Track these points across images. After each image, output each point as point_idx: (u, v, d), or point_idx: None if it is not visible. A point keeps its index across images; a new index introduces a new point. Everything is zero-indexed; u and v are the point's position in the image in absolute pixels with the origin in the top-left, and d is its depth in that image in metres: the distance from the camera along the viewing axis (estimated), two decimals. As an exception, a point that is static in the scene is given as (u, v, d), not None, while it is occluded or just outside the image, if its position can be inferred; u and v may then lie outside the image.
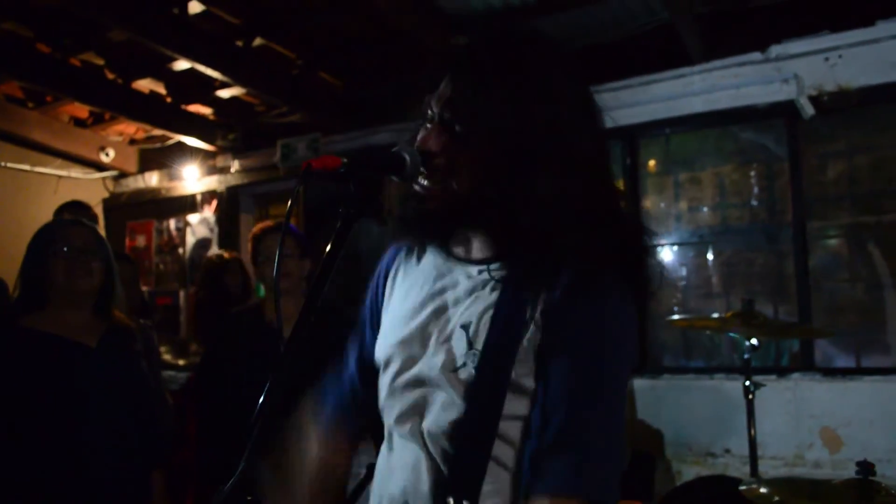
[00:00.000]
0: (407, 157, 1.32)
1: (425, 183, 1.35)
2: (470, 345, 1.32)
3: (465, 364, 1.31)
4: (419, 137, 1.37)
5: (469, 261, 1.42)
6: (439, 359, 1.35)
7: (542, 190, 1.28)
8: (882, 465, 2.38)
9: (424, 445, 1.35)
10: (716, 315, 3.80)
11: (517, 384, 1.28)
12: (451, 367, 1.32)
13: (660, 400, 4.77)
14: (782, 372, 4.51)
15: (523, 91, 1.31)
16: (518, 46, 1.38)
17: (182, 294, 7.20)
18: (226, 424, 3.13)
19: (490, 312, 1.32)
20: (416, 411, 1.38)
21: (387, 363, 1.46)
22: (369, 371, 1.57)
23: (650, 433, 4.67)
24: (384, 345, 1.49)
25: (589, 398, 1.26)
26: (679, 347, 5.06)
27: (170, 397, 4.26)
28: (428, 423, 1.35)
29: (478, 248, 1.42)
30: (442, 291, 1.42)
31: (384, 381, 1.46)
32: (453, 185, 1.33)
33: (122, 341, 2.76)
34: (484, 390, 1.28)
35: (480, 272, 1.39)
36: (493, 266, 1.38)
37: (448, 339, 1.36)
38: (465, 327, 1.34)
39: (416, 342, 1.40)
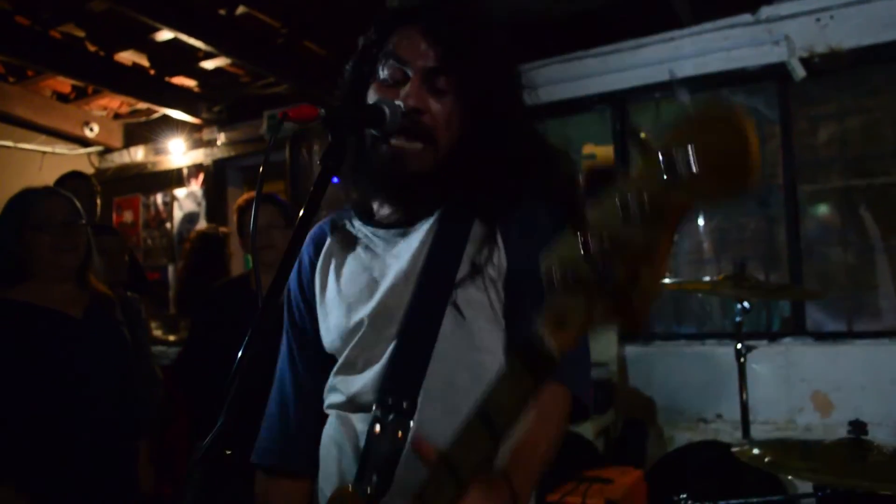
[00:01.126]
0: (387, 110, 1.32)
1: (405, 143, 1.36)
2: (424, 276, 1.37)
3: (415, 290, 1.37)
4: (403, 94, 1.36)
5: (415, 220, 1.44)
6: (395, 299, 1.38)
7: (513, 142, 1.40)
8: (872, 429, 2.37)
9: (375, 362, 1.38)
10: (707, 279, 3.78)
11: (474, 297, 1.36)
12: (406, 300, 1.37)
13: (651, 366, 4.76)
14: (773, 337, 4.50)
15: (494, 49, 1.42)
16: (472, 8, 1.46)
17: (171, 269, 7.15)
18: (216, 396, 3.12)
19: (430, 242, 1.38)
20: (373, 338, 1.40)
21: (344, 341, 1.44)
22: (306, 366, 1.57)
23: (642, 399, 4.66)
24: (338, 329, 1.47)
25: None
26: (670, 314, 5.05)
27: (160, 371, 4.25)
28: (381, 347, 1.38)
29: (421, 208, 1.44)
30: (393, 252, 1.43)
31: (343, 349, 1.45)
32: (436, 144, 1.36)
33: (106, 311, 2.76)
34: (425, 300, 1.35)
35: (426, 223, 1.42)
36: (438, 211, 1.42)
37: (405, 285, 1.38)
38: (414, 270, 1.38)
39: (371, 309, 1.40)
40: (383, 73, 1.41)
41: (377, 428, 1.31)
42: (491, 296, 1.37)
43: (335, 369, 1.47)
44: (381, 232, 1.47)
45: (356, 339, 1.42)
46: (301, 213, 1.18)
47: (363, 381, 1.38)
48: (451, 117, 1.37)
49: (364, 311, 1.40)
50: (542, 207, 1.39)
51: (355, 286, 1.45)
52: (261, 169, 1.23)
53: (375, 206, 1.50)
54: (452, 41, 1.35)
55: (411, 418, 1.30)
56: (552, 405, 1.30)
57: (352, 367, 1.42)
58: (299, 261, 1.59)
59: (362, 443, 1.35)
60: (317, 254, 1.56)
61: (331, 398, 1.47)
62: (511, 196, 1.41)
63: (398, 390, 1.32)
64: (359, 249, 1.49)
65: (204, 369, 3.41)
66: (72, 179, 4.50)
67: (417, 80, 1.37)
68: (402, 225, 1.45)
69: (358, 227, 1.51)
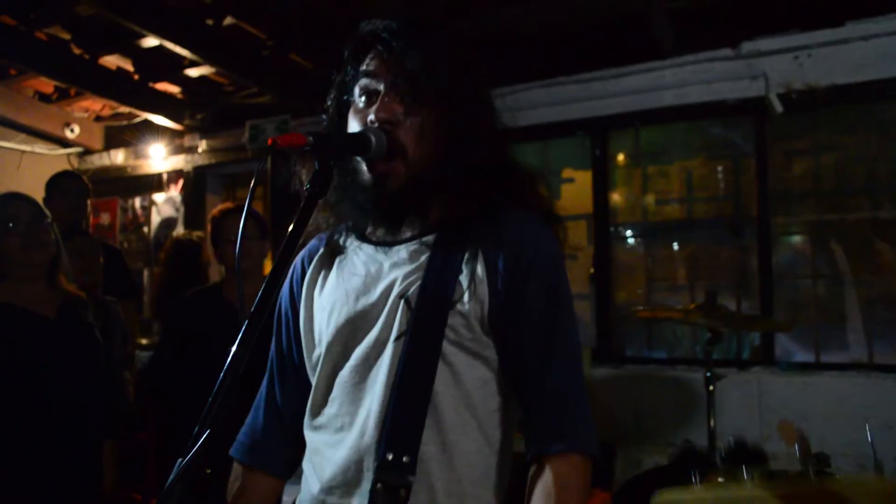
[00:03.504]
0: (373, 139, 1.35)
1: (384, 165, 1.38)
2: (408, 312, 1.37)
3: (405, 332, 1.36)
4: (374, 110, 1.39)
5: (402, 241, 1.46)
6: (381, 331, 1.38)
7: (484, 149, 1.43)
8: (837, 459, 2.43)
9: (358, 415, 1.39)
10: (679, 306, 3.83)
11: (458, 339, 1.36)
12: (394, 336, 1.37)
13: (621, 389, 4.81)
14: (743, 365, 4.56)
15: (463, 62, 1.45)
16: (438, 25, 1.48)
17: (146, 273, 7.12)
18: (185, 405, 3.13)
19: (421, 273, 1.39)
20: (365, 384, 1.40)
21: (327, 350, 1.46)
22: (291, 375, 1.60)
23: (611, 422, 4.70)
24: (319, 341, 1.49)
25: (565, 362, 1.38)
26: (642, 338, 5.11)
27: (129, 376, 4.24)
28: (371, 399, 1.38)
29: (407, 228, 1.47)
30: (378, 276, 1.44)
31: (326, 366, 1.47)
32: (407, 157, 1.38)
33: (77, 312, 2.81)
34: (418, 346, 1.35)
35: (412, 245, 1.44)
36: (424, 239, 1.44)
37: (392, 311, 1.39)
38: (403, 296, 1.38)
39: (356, 324, 1.42)
40: (358, 95, 1.45)
41: (379, 486, 1.31)
42: (474, 331, 1.38)
43: (311, 405, 1.49)
44: (369, 248, 1.50)
45: (330, 370, 1.45)
46: (287, 237, 1.20)
47: (350, 441, 1.39)
48: (423, 129, 1.39)
49: (348, 329, 1.43)
50: (527, 233, 1.42)
51: (339, 295, 1.47)
52: (248, 196, 1.26)
53: (366, 226, 1.53)
54: (419, 56, 1.37)
55: (412, 473, 1.31)
56: (576, 479, 1.32)
57: (332, 419, 1.44)
58: (292, 268, 1.63)
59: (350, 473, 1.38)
60: (309, 262, 1.59)
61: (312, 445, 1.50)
62: (489, 213, 1.43)
63: (398, 447, 1.32)
64: (347, 261, 1.51)
65: (173, 377, 3.42)
66: (63, 178, 4.52)
67: (387, 94, 1.40)
68: (388, 243, 1.48)
69: (350, 242, 1.54)
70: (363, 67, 1.44)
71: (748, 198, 4.80)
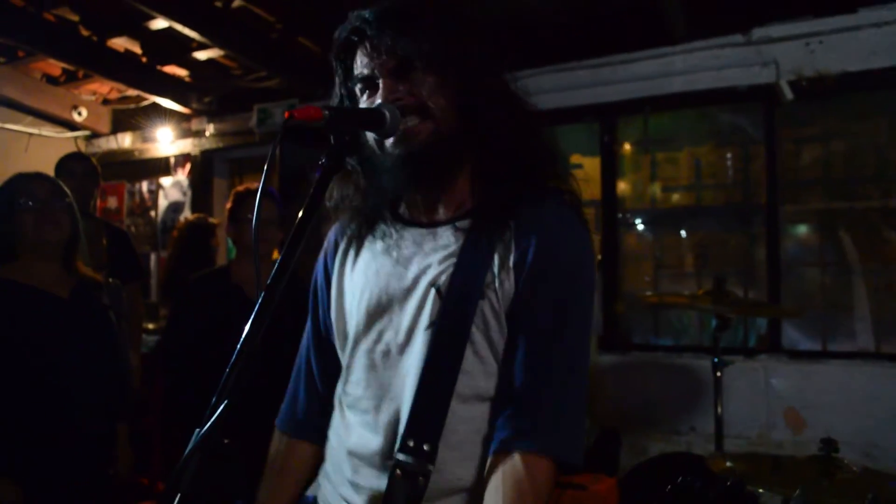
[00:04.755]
0: (387, 114, 1.34)
1: (409, 122, 1.36)
2: (439, 302, 1.36)
3: (435, 321, 1.36)
4: (379, 95, 1.39)
5: (434, 224, 1.46)
6: (412, 319, 1.39)
7: (500, 119, 1.41)
8: (843, 448, 2.42)
9: (385, 400, 1.41)
10: (687, 293, 3.83)
11: (486, 329, 1.36)
12: (424, 326, 1.37)
13: (627, 376, 4.81)
14: (749, 353, 4.56)
15: (463, 33, 1.44)
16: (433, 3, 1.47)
17: (153, 257, 7.13)
18: (194, 387, 3.13)
19: (453, 261, 1.38)
20: (392, 369, 1.40)
21: (356, 334, 1.47)
22: (326, 347, 1.62)
23: (617, 408, 4.71)
24: (350, 315, 1.50)
25: (562, 367, 1.37)
26: (649, 326, 5.11)
27: (136, 359, 4.24)
28: (400, 387, 1.39)
29: (440, 208, 1.46)
30: (410, 258, 1.44)
31: (355, 348, 1.48)
32: (431, 114, 1.37)
33: (91, 294, 2.81)
34: (445, 336, 1.34)
35: (445, 230, 1.44)
36: (458, 223, 1.43)
37: (422, 299, 1.39)
38: (434, 285, 1.38)
39: (387, 308, 1.43)
40: (360, 95, 1.45)
41: (398, 472, 1.32)
42: (500, 321, 1.37)
43: (342, 381, 1.52)
44: (403, 229, 1.49)
45: (360, 351, 1.46)
46: (302, 211, 1.20)
47: (378, 426, 1.41)
48: (436, 89, 1.38)
49: (378, 312, 1.44)
50: (557, 224, 1.41)
51: (371, 275, 1.48)
52: (265, 166, 1.25)
53: (398, 205, 1.53)
54: (403, 35, 1.36)
55: (432, 462, 1.32)
56: (535, 486, 1.30)
57: (358, 401, 1.47)
58: (326, 242, 1.65)
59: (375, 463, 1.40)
60: (343, 237, 1.60)
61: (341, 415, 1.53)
62: (522, 199, 1.41)
63: (420, 434, 1.33)
64: (380, 240, 1.51)
65: (180, 360, 3.42)
66: (70, 160, 4.51)
67: (386, 79, 1.39)
68: (423, 224, 1.47)
69: (383, 219, 1.53)
70: (356, 71, 1.44)
71: (757, 185, 4.78)
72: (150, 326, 6.29)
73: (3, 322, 2.52)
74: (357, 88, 1.45)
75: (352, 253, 1.56)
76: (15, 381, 2.49)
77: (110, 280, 3.74)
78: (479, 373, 1.37)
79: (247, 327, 1.08)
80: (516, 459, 1.30)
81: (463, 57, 1.40)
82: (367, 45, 1.40)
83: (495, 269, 1.37)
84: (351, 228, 1.58)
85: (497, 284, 1.36)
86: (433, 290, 1.38)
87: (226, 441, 0.97)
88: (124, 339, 3.77)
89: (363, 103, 1.43)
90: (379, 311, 1.43)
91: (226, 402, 0.99)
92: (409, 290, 1.41)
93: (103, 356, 2.76)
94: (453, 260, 1.39)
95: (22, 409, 2.50)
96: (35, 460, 2.50)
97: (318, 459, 1.63)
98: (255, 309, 1.10)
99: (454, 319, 1.35)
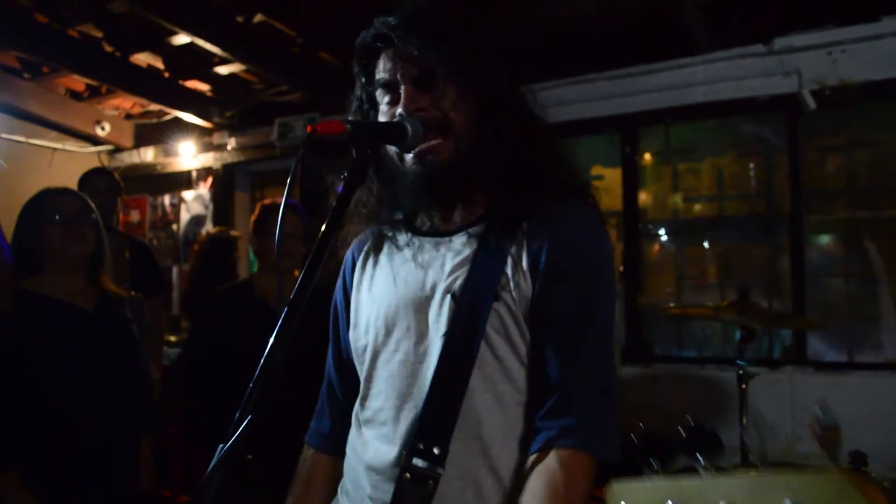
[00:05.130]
0: (409, 127, 1.35)
1: (425, 142, 1.37)
2: (457, 308, 1.36)
3: (452, 328, 1.36)
4: (401, 104, 1.39)
5: (448, 232, 1.46)
6: (430, 327, 1.39)
7: (518, 133, 1.41)
8: (871, 461, 2.39)
9: (404, 410, 1.40)
10: (710, 304, 3.79)
11: (504, 331, 1.35)
12: (442, 332, 1.37)
13: (650, 388, 4.77)
14: (774, 365, 4.51)
15: (482, 46, 1.44)
16: (456, 13, 1.47)
17: (175, 270, 7.17)
18: (216, 401, 3.14)
19: (467, 266, 1.38)
20: (412, 379, 1.40)
21: (375, 346, 1.48)
22: (347, 365, 1.63)
23: (639, 420, 4.66)
24: (367, 329, 1.51)
25: (591, 360, 1.35)
26: (672, 337, 5.07)
27: (157, 372, 4.27)
28: (418, 396, 1.39)
29: (456, 217, 1.47)
30: (427, 268, 1.44)
31: (375, 360, 1.48)
32: (452, 130, 1.38)
33: (115, 308, 2.83)
34: (458, 340, 1.34)
35: (460, 237, 1.44)
36: (471, 229, 1.43)
37: (440, 306, 1.39)
38: (450, 291, 1.38)
39: (406, 318, 1.43)
40: (382, 101, 1.45)
41: (407, 475, 1.32)
42: (518, 322, 1.37)
43: (360, 396, 1.52)
44: (418, 239, 1.49)
45: (378, 363, 1.47)
46: (325, 225, 1.20)
47: (395, 436, 1.41)
48: (457, 103, 1.38)
49: (396, 323, 1.44)
50: (573, 223, 1.41)
51: (388, 288, 1.48)
52: (288, 180, 1.25)
53: (415, 217, 1.53)
54: (427, 42, 1.36)
55: (441, 465, 1.31)
56: (574, 482, 1.28)
57: (377, 413, 1.46)
58: (345, 260, 1.66)
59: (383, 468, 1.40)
60: (360, 254, 1.61)
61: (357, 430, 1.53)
62: (536, 202, 1.41)
63: (430, 436, 1.32)
64: (396, 253, 1.52)
65: (203, 372, 3.42)
66: (93, 175, 4.57)
67: (409, 87, 1.39)
68: (438, 233, 1.48)
69: (400, 234, 1.54)
70: (378, 76, 1.44)
71: (780, 195, 4.74)
72: (172, 339, 6.32)
73: (29, 335, 2.54)
74: (378, 93, 1.46)
75: (369, 267, 1.57)
76: (39, 394, 2.51)
77: (133, 293, 3.77)
78: (498, 375, 1.36)
79: (270, 342, 1.07)
80: (553, 457, 1.29)
81: (485, 70, 1.40)
82: (392, 51, 1.41)
83: (509, 271, 1.36)
84: (367, 244, 1.60)
85: (512, 286, 1.36)
86: (449, 297, 1.38)
87: (249, 457, 0.97)
88: (145, 351, 3.80)
89: (383, 108, 1.44)
90: (397, 321, 1.44)
91: (249, 417, 0.99)
92: (427, 299, 1.41)
93: (126, 369, 2.78)
94: (467, 266, 1.39)
95: (46, 421, 2.51)
96: (59, 474, 2.51)
97: (342, 474, 1.63)
98: (279, 323, 1.10)
99: (466, 323, 1.35)
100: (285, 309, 1.10)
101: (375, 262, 1.56)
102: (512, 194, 1.41)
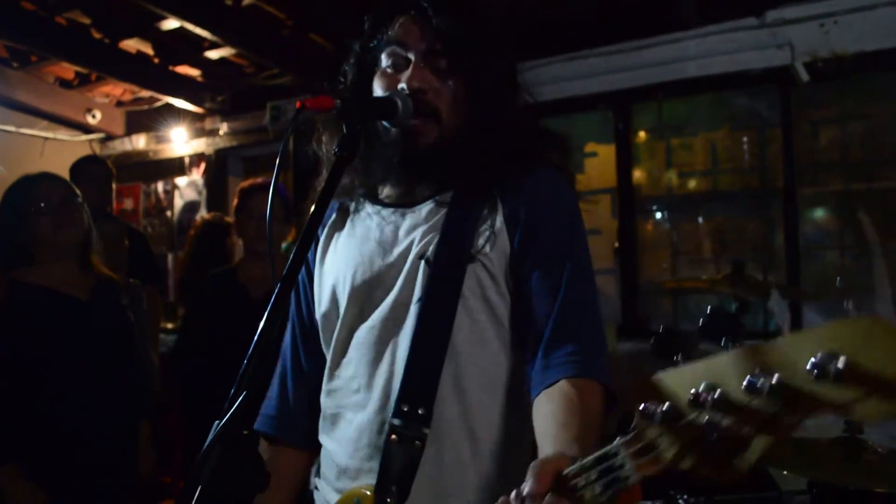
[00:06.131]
0: (399, 102, 1.35)
1: (416, 121, 1.38)
2: (432, 272, 1.37)
3: (429, 292, 1.37)
4: (405, 77, 1.39)
5: (414, 202, 1.46)
6: (403, 294, 1.39)
7: (509, 110, 1.45)
8: (866, 429, 2.39)
9: (376, 376, 1.39)
10: (705, 277, 3.80)
11: (481, 292, 1.37)
12: (415, 299, 1.37)
13: (647, 363, 4.78)
14: (770, 337, 4.51)
15: (491, 34, 1.46)
16: None
17: (170, 257, 7.16)
18: (204, 387, 3.14)
19: (438, 231, 1.39)
20: (384, 346, 1.40)
21: (343, 315, 1.47)
22: (313, 339, 1.59)
23: (636, 395, 4.68)
24: (333, 299, 1.49)
25: (577, 289, 1.37)
26: (667, 312, 5.07)
27: (156, 358, 4.27)
28: (392, 361, 1.38)
29: (423, 189, 1.46)
30: (394, 237, 1.45)
31: (342, 328, 1.47)
32: (441, 120, 1.39)
33: (111, 294, 2.81)
34: (435, 302, 1.35)
35: (426, 206, 1.44)
36: (438, 197, 1.44)
37: (411, 272, 1.39)
38: (422, 257, 1.38)
39: (375, 286, 1.43)
40: (386, 62, 1.44)
41: (393, 437, 1.32)
42: (497, 281, 1.38)
43: (327, 369, 1.50)
44: (384, 211, 1.49)
45: (347, 333, 1.45)
46: (316, 201, 1.20)
47: (371, 404, 1.40)
48: (456, 97, 1.39)
49: (366, 290, 1.43)
50: (545, 182, 1.44)
51: (354, 257, 1.47)
52: (276, 168, 1.25)
53: (381, 188, 1.53)
54: (449, 25, 1.37)
55: (427, 426, 1.31)
56: (590, 402, 1.26)
57: (348, 381, 1.45)
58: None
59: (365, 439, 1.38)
60: (322, 228, 1.59)
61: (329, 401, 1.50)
62: (507, 168, 1.43)
63: (414, 398, 1.32)
64: (360, 224, 1.51)
65: (196, 358, 3.42)
66: (89, 163, 4.55)
67: (419, 62, 1.39)
68: (405, 205, 1.47)
69: (363, 206, 1.53)
70: (392, 33, 1.43)
71: (774, 169, 4.74)
72: (169, 326, 6.32)
73: (24, 326, 2.53)
74: (384, 54, 1.45)
75: (334, 241, 1.56)
76: (36, 385, 2.50)
77: (130, 280, 3.76)
78: (475, 336, 1.37)
79: (262, 321, 1.07)
80: (563, 385, 1.26)
81: (492, 58, 1.43)
82: (412, 18, 1.41)
83: (484, 231, 1.37)
84: (331, 217, 1.59)
85: (488, 247, 1.37)
86: (422, 263, 1.38)
87: (245, 432, 0.97)
88: (144, 339, 3.80)
89: (385, 70, 1.44)
90: (364, 288, 1.43)
91: (244, 393, 0.99)
92: (395, 266, 1.41)
93: (123, 356, 2.76)
94: (438, 230, 1.39)
95: (44, 412, 2.51)
96: (57, 462, 2.51)
97: (306, 471, 1.61)
98: (272, 301, 1.09)
99: (443, 286, 1.35)
100: (277, 286, 1.10)
101: (338, 234, 1.55)
102: (482, 163, 1.42)
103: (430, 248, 1.38)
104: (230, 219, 5.34)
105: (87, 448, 2.56)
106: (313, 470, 1.59)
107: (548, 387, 1.28)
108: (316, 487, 1.55)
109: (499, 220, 1.39)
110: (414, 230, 1.42)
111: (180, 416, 4.79)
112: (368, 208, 1.52)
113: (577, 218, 1.45)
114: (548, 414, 1.24)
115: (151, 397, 3.20)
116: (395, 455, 1.31)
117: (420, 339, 1.34)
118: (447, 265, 1.36)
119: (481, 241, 1.37)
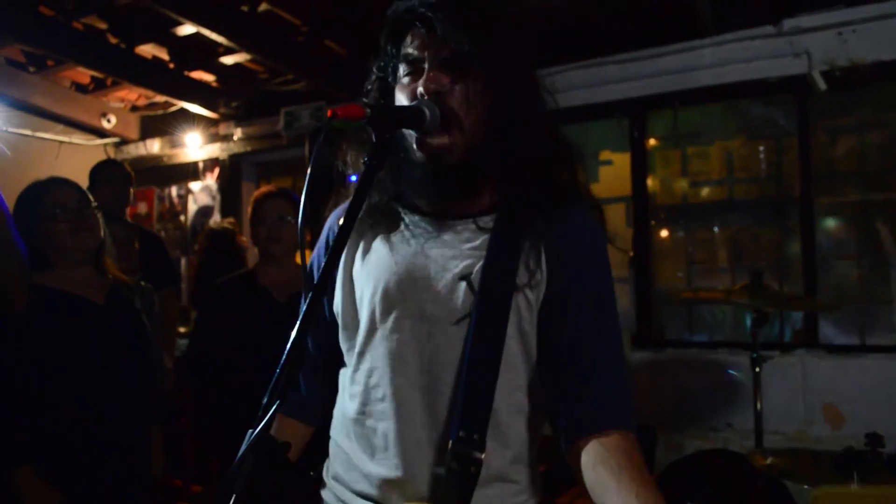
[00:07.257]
0: (426, 111, 1.34)
1: (438, 139, 1.36)
2: (471, 295, 1.37)
3: (468, 315, 1.37)
4: (421, 82, 1.38)
5: (451, 216, 1.45)
6: (440, 310, 1.39)
7: (531, 119, 1.43)
8: (887, 442, 2.38)
9: (429, 400, 1.40)
10: (722, 287, 3.78)
11: (517, 322, 1.39)
12: (453, 319, 1.38)
13: (662, 373, 4.77)
14: (786, 348, 4.50)
15: (508, 34, 1.43)
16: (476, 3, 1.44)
17: (184, 261, 7.18)
18: (223, 390, 3.14)
19: (481, 255, 1.40)
20: (414, 358, 1.40)
21: (371, 322, 1.45)
22: (329, 328, 1.58)
23: (651, 405, 4.67)
24: (360, 305, 1.48)
25: (607, 338, 1.42)
26: (682, 322, 5.06)
27: (168, 361, 4.28)
28: (432, 378, 1.39)
29: (460, 205, 1.46)
30: (431, 251, 1.43)
31: (370, 336, 1.45)
32: (462, 127, 1.37)
33: (125, 298, 2.82)
34: (486, 328, 1.36)
35: (465, 224, 1.44)
36: (479, 219, 1.44)
37: (449, 291, 1.39)
38: (464, 278, 1.38)
39: (409, 297, 1.41)
40: (403, 74, 1.44)
41: (454, 464, 1.32)
42: (531, 319, 1.41)
43: (350, 372, 1.50)
44: (422, 221, 1.47)
45: (375, 339, 1.44)
46: (348, 210, 1.20)
47: (410, 418, 1.41)
48: (473, 97, 1.37)
49: (403, 305, 1.41)
50: (587, 229, 1.47)
51: (389, 265, 1.45)
52: (309, 169, 1.23)
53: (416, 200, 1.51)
54: (460, 28, 1.35)
55: (482, 451, 1.33)
56: (635, 455, 1.32)
57: (373, 389, 1.45)
58: (327, 227, 1.63)
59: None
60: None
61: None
62: (547, 202, 1.44)
63: (472, 424, 1.34)
64: (395, 229, 1.49)
65: (209, 363, 3.42)
66: (107, 167, 4.57)
67: (434, 67, 1.38)
68: (441, 216, 1.46)
69: (398, 209, 1.51)
70: (405, 50, 1.43)
71: (790, 178, 4.73)
72: (182, 330, 6.33)
73: (47, 329, 2.53)
74: (401, 67, 1.44)
75: (363, 240, 1.52)
76: (54, 389, 2.51)
77: (142, 283, 3.77)
78: (516, 363, 1.40)
79: (294, 330, 1.07)
80: (619, 437, 1.33)
81: (512, 67, 1.41)
82: (424, 30, 1.39)
83: (528, 266, 1.39)
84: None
85: (529, 280, 1.39)
86: (464, 283, 1.38)
87: (279, 441, 0.96)
88: (157, 342, 3.81)
89: (404, 82, 1.43)
90: (399, 299, 1.41)
91: (278, 402, 0.99)
92: (433, 280, 1.40)
93: (137, 359, 2.77)
94: (480, 254, 1.40)
95: (59, 415, 2.51)
96: (72, 464, 2.51)
97: (305, 440, 1.65)
98: (303, 309, 1.09)
99: (492, 313, 1.37)
100: (309, 294, 1.10)
101: (370, 237, 1.52)
102: (524, 192, 1.43)
103: (474, 272, 1.38)
104: (232, 221, 5.36)
105: (100, 450, 2.56)
106: (325, 466, 1.59)
107: (595, 432, 1.34)
108: (324, 485, 1.56)
109: (542, 259, 1.41)
110: (452, 248, 1.43)
111: (192, 418, 4.81)
112: (403, 214, 1.50)
113: (608, 268, 1.50)
114: (609, 469, 1.30)
115: (164, 400, 3.21)
116: (453, 479, 1.32)
117: (475, 366, 1.36)
118: (493, 292, 1.37)
119: (525, 274, 1.39)
